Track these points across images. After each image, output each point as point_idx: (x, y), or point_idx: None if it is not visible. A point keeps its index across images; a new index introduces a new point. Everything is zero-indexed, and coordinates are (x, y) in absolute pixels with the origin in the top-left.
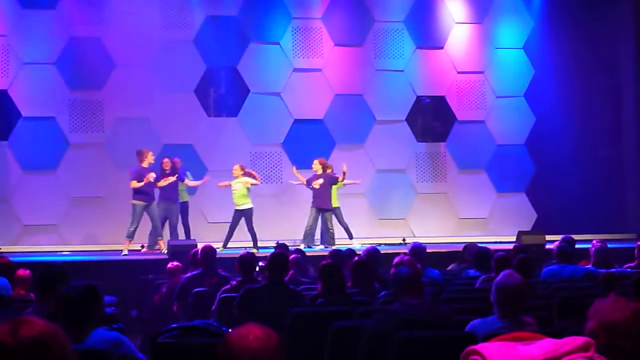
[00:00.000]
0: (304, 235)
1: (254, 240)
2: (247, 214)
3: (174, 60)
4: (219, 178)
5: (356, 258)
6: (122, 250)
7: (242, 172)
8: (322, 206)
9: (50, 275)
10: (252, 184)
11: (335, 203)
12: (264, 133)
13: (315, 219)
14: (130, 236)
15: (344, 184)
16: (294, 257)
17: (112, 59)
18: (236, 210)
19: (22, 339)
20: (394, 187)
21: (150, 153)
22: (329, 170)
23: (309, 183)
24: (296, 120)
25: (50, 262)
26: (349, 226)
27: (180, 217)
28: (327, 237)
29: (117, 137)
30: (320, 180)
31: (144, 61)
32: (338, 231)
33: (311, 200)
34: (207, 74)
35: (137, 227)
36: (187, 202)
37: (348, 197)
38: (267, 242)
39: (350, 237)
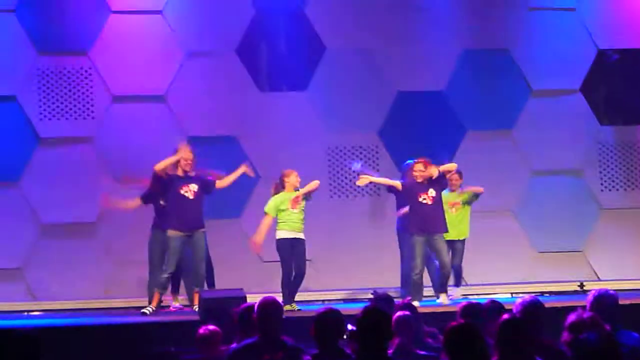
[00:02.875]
0: (411, 282)
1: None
2: (304, 247)
3: (203, 4)
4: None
5: (505, 316)
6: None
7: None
8: (433, 230)
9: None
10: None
11: (465, 232)
12: (349, 115)
13: (424, 254)
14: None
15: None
16: (400, 316)
17: (106, 2)
18: (296, 239)
19: None
20: (563, 200)
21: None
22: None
23: (406, 193)
24: (401, 94)
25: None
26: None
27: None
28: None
29: (113, 128)
30: (432, 193)
31: (154, 3)
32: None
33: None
34: (256, 24)
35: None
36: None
37: (487, 217)
38: (359, 292)
39: (457, 284)
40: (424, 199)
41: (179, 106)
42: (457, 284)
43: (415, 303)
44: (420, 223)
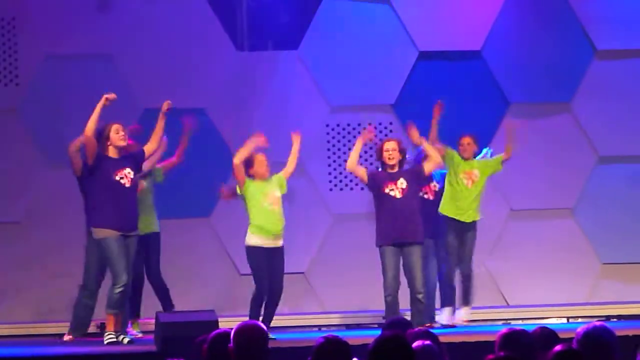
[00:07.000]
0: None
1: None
2: (283, 257)
3: None
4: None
5: (559, 348)
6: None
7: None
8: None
9: None
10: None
11: (478, 212)
12: (354, 82)
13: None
14: None
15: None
16: (419, 347)
17: None
18: (274, 249)
19: None
20: (629, 195)
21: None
22: None
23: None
24: (423, 55)
25: None
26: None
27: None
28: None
29: (46, 93)
30: (403, 184)
31: None
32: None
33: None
34: None
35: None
36: (157, 233)
37: (536, 217)
38: (364, 315)
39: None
40: (391, 189)
41: (130, 67)
42: (466, 300)
43: None
44: (387, 228)
